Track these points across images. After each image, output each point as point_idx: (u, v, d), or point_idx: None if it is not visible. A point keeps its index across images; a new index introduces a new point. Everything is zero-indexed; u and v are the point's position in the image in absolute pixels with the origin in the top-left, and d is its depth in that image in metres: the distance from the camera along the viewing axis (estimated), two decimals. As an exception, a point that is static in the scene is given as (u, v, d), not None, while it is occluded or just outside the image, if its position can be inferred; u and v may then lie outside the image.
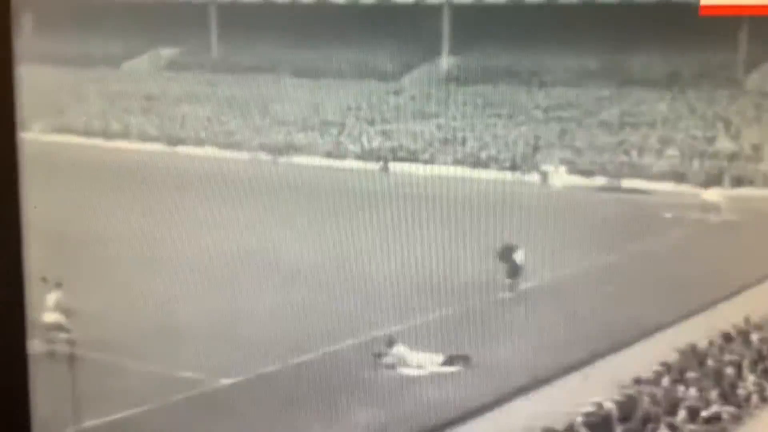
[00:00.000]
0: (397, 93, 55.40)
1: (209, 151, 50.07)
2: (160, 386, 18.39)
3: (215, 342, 20.83)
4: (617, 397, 16.68)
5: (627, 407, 16.22)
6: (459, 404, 17.59)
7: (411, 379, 19.21)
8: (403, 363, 19.80)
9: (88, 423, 17.00)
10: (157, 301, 22.86)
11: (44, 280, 19.36)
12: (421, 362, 19.89)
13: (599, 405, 16.14)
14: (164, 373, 19.13)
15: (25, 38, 67.00)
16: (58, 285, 20.51)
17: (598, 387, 17.60)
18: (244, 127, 52.37)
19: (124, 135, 53.24)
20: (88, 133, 53.56)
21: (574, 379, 18.87)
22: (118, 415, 17.25)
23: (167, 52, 64.65)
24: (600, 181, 42.22)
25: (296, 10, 59.21)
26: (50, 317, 20.20)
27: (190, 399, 18.15)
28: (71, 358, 18.41)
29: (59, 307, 20.32)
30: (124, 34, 62.58)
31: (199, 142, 51.22)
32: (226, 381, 18.99)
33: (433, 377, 19.32)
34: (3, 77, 3.51)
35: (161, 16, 60.51)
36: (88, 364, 18.36)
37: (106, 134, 53.42)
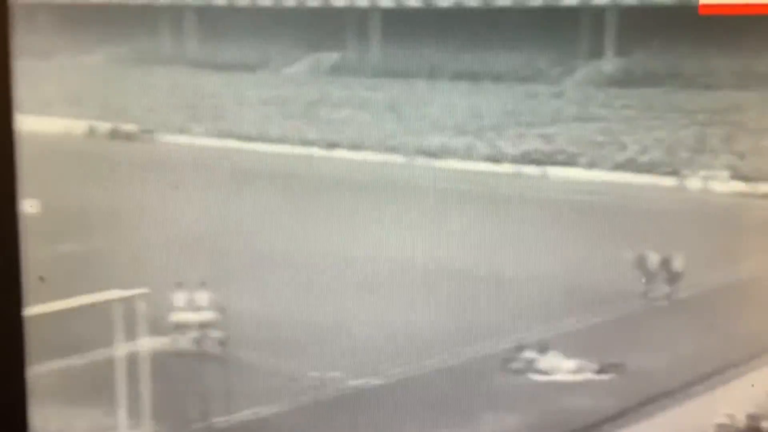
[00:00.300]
0: (557, 96, 54.73)
1: (366, 155, 50.45)
2: (298, 385, 18.63)
3: (352, 343, 20.95)
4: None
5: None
6: (608, 411, 17.27)
7: (563, 386, 18.96)
8: (556, 369, 19.55)
9: (223, 418, 17.39)
10: (300, 302, 23.12)
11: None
12: (574, 369, 19.61)
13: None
14: (303, 373, 19.34)
15: (191, 45, 69.06)
16: (202, 284, 21.00)
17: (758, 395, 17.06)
18: (401, 131, 52.57)
19: (282, 139, 54.12)
20: (247, 137, 54.66)
21: (735, 388, 18.35)
22: (257, 412, 17.57)
23: (328, 57, 65.42)
24: (764, 188, 40.74)
25: (458, 14, 59.18)
26: (194, 317, 20.70)
27: (329, 399, 18.32)
28: (212, 357, 18.87)
29: (197, 306, 20.81)
30: (285, 39, 63.70)
31: (357, 146, 51.65)
32: (362, 382, 19.10)
33: (586, 384, 19.01)
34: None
35: (322, 21, 61.37)
36: (231, 362, 18.77)
37: (265, 138, 54.41)
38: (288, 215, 31.02)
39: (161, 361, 18.28)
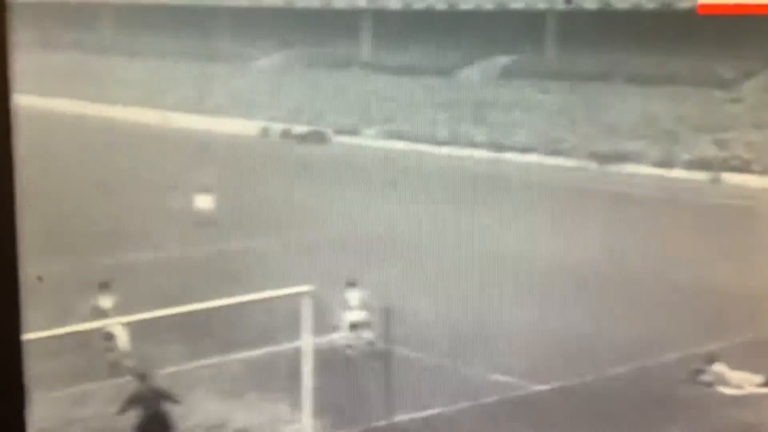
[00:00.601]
0: (735, 101, 53.23)
1: (534, 158, 50.19)
2: (470, 387, 18.69)
3: (526, 347, 20.89)
4: None
5: None
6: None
7: (728, 399, 18.55)
8: (722, 381, 19.13)
9: (399, 417, 17.57)
10: (468, 303, 23.15)
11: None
12: (741, 382, 19.14)
13: None
14: (473, 374, 19.40)
15: (365, 49, 70.02)
16: (351, 284, 21.31)
17: None
18: (573, 135, 52.08)
19: (451, 141, 54.28)
20: (416, 139, 55.04)
21: None
22: (427, 413, 17.71)
23: (501, 61, 65.29)
24: None
25: (635, 17, 58.26)
26: (357, 316, 21.06)
27: (500, 402, 18.31)
28: (377, 354, 19.09)
29: (362, 306, 21.16)
30: (460, 43, 63.90)
31: (527, 149, 51.42)
32: (538, 387, 19.03)
33: (750, 398, 18.54)
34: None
35: (498, 24, 61.36)
36: (400, 360, 18.97)
37: (434, 140, 54.68)
38: (459, 217, 31.14)
39: (325, 358, 18.62)
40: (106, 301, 20.49)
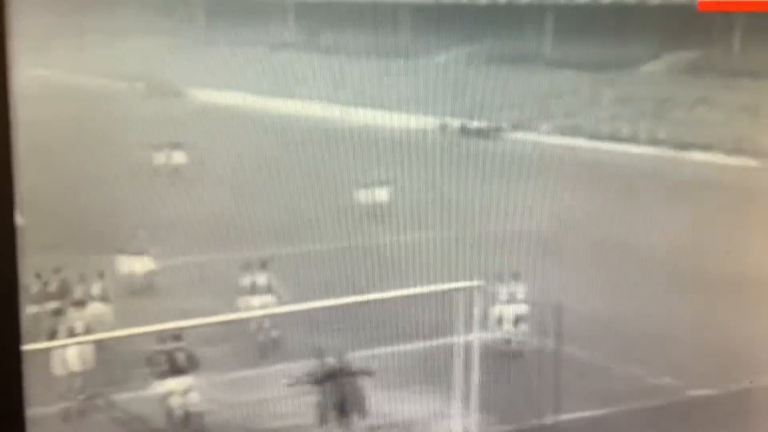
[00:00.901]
0: None
1: (716, 157, 48.75)
2: (627, 388, 18.40)
3: (692, 349, 20.42)
4: None
5: None
6: None
7: None
8: None
9: (561, 416, 17.45)
10: (636, 301, 22.77)
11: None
12: None
13: None
14: (632, 375, 19.09)
15: (545, 44, 69.55)
16: (516, 276, 21.18)
17: None
18: (755, 133, 50.34)
19: (632, 138, 53.32)
20: (596, 135, 54.29)
21: None
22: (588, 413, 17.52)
23: (688, 55, 63.72)
24: None
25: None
26: (516, 310, 20.97)
27: (665, 406, 17.98)
28: (537, 350, 19.00)
29: (523, 300, 21.07)
30: (642, 38, 62.76)
31: (707, 147, 50.01)
32: (700, 392, 18.59)
33: None
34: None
35: (682, 20, 59.92)
36: (562, 357, 18.82)
37: (614, 137, 53.83)
38: (637, 216, 30.67)
39: (488, 352, 18.64)
40: (261, 279, 21.35)
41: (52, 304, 20.60)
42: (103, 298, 21.31)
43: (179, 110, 55.46)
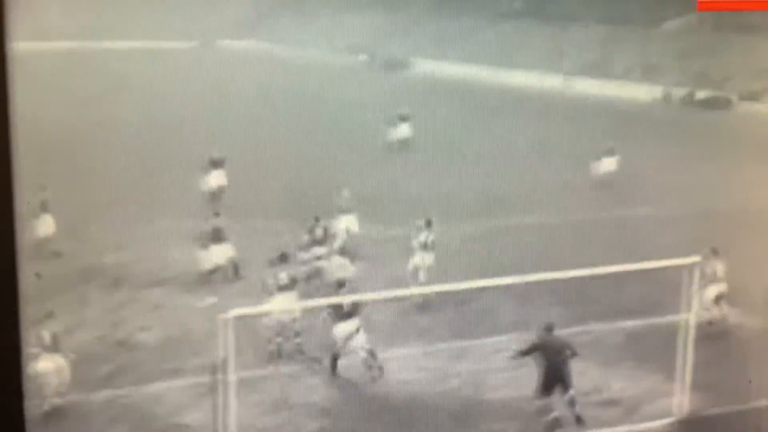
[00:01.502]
0: None
1: None
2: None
3: None
4: None
5: None
6: None
7: None
8: None
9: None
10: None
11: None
12: None
13: None
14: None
15: None
16: (715, 252, 20.60)
17: None
18: None
19: None
20: None
21: None
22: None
23: None
24: None
25: None
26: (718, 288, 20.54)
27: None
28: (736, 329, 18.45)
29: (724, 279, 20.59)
30: None
31: None
32: None
33: None
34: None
35: None
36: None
37: None
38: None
39: (701, 330, 18.31)
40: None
41: (319, 250, 23.07)
42: (343, 252, 22.85)
43: (402, 83, 56.34)
